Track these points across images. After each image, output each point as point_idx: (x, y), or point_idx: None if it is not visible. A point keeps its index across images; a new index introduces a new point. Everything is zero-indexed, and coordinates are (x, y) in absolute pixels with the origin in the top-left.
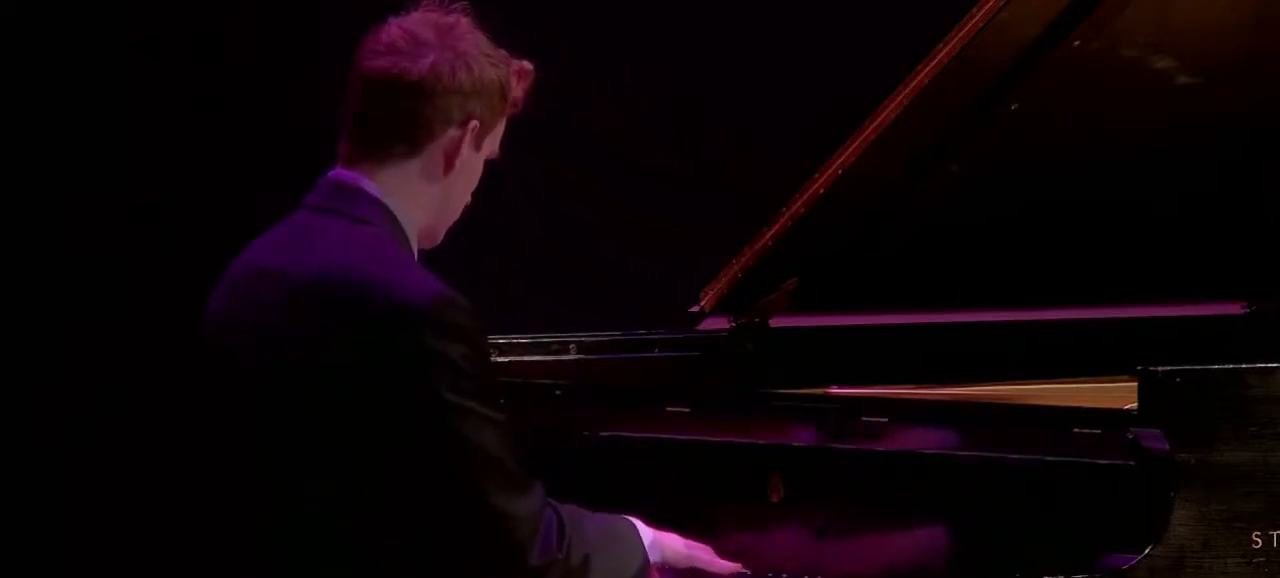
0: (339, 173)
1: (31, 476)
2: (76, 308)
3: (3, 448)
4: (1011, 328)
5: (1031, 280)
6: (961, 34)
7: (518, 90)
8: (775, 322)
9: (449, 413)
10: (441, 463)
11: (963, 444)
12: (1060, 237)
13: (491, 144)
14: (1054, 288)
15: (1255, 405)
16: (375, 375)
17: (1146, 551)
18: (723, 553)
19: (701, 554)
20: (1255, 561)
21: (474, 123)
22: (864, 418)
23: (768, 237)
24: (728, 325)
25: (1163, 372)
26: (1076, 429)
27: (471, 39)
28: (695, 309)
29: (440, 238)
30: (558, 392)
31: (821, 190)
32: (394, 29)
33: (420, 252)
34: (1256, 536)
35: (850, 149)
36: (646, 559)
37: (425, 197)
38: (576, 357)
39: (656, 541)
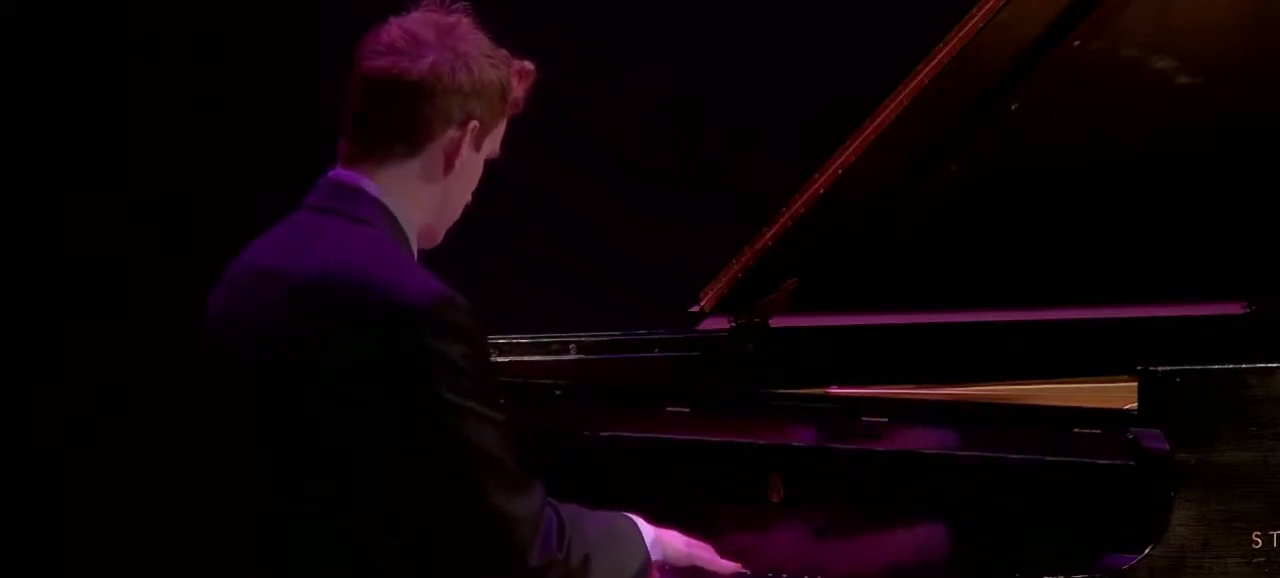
0: (339, 173)
1: (31, 476)
2: (76, 308)
3: (3, 448)
4: (1011, 328)
5: (1031, 280)
6: (961, 34)
7: (519, 91)
8: (775, 322)
9: (449, 413)
10: (441, 463)
11: (963, 444)
12: (1060, 237)
13: (492, 144)
14: (1054, 288)
15: (1255, 405)
16: (375, 376)
17: (1146, 551)
18: (723, 553)
19: (702, 553)
20: (1255, 561)
21: (474, 123)
22: (864, 418)
23: (768, 237)
24: (728, 325)
25: (1163, 372)
26: (1076, 429)
27: (472, 39)
28: (695, 309)
29: (440, 238)
30: (558, 392)
31: (821, 190)
32: (394, 29)
33: (420, 251)
34: (1256, 536)
35: (850, 149)
36: (647, 558)
37: (425, 197)
38: (576, 357)
39: (658, 539)
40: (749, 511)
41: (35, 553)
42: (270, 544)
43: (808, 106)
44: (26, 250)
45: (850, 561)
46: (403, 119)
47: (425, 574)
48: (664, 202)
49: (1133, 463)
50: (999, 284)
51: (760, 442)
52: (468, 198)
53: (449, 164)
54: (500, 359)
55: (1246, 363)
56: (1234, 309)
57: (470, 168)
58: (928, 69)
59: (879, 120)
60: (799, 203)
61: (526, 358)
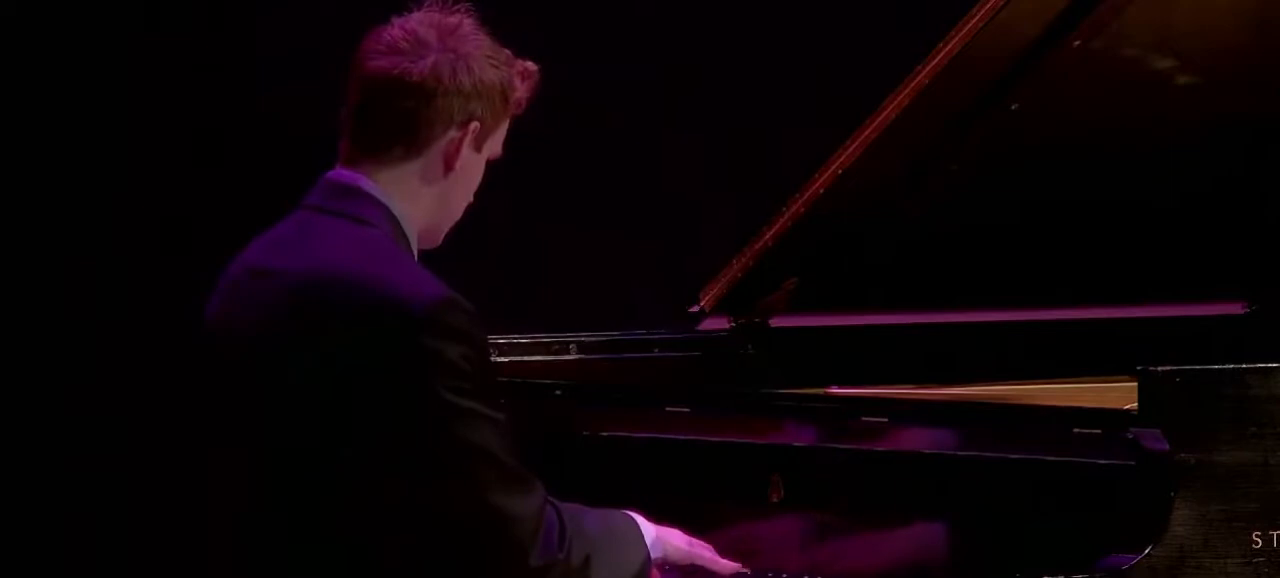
0: (339, 173)
1: (31, 476)
2: (76, 308)
3: (3, 448)
4: (1011, 328)
5: (1031, 280)
6: (961, 34)
7: (522, 91)
8: (775, 322)
9: (449, 413)
10: (442, 463)
11: (963, 444)
12: (1060, 236)
13: (493, 145)
14: (1054, 288)
15: (1255, 405)
16: (375, 376)
17: (1146, 551)
18: (723, 554)
19: (703, 551)
20: (1255, 561)
21: (474, 124)
22: (864, 418)
23: (768, 237)
24: (728, 325)
25: (1163, 372)
26: (1076, 429)
27: (474, 40)
28: (695, 309)
29: (442, 238)
30: (558, 392)
31: (821, 190)
32: (396, 29)
33: (422, 252)
34: (1256, 536)
35: (850, 149)
36: (648, 557)
37: (425, 197)
38: (576, 357)
39: (659, 538)
40: (749, 511)
41: (36, 553)
42: (270, 545)
43: (808, 106)
44: (26, 250)
45: (850, 561)
46: (403, 119)
47: (427, 575)
48: (664, 202)
49: (1133, 463)
50: (999, 284)
51: (760, 442)
52: (470, 198)
53: (449, 165)
54: (500, 359)
55: (1246, 363)
56: (1234, 309)
57: (471, 168)
58: (928, 69)
59: (879, 120)
60: (799, 203)
61: (526, 358)
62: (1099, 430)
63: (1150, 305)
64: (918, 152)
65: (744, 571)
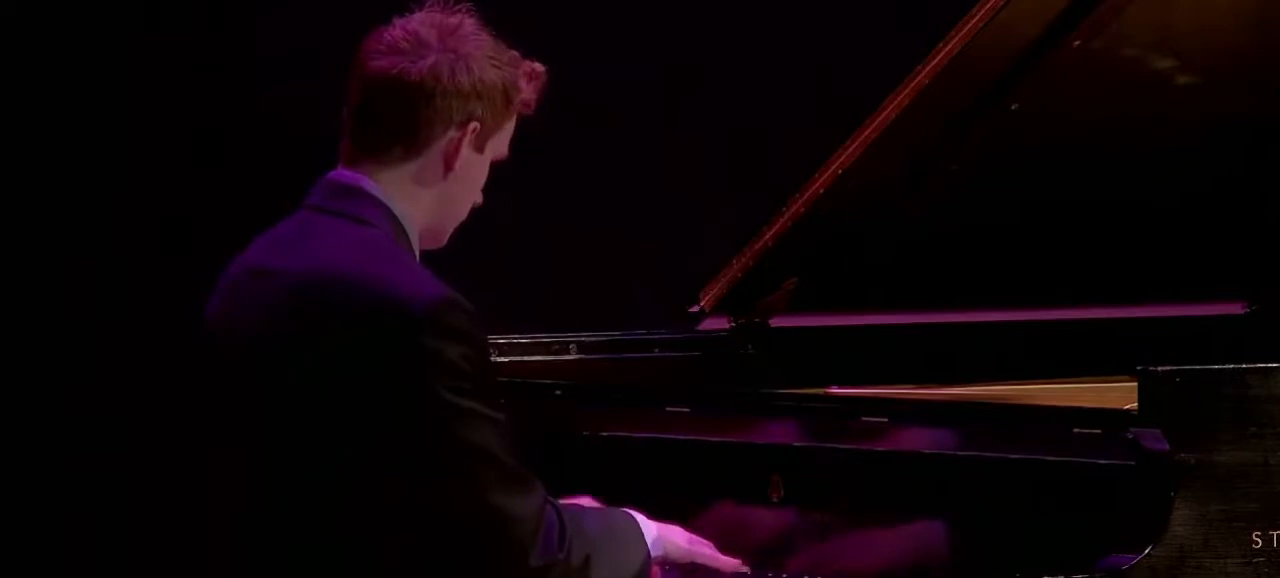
0: (339, 173)
1: (32, 476)
2: (77, 308)
3: (3, 448)
4: (1011, 328)
5: (1031, 280)
6: (962, 34)
7: (528, 92)
8: (775, 322)
9: (449, 413)
10: (442, 463)
11: (963, 444)
12: (1060, 236)
13: (497, 146)
14: (1054, 288)
15: (1255, 405)
16: (375, 376)
17: (1146, 551)
18: (723, 553)
19: (703, 549)
20: (1255, 561)
21: (474, 125)
22: (864, 418)
23: (768, 237)
24: (728, 325)
25: (1163, 372)
26: (1076, 429)
27: (474, 40)
28: (695, 309)
29: (446, 239)
30: (558, 392)
31: (821, 190)
32: (397, 29)
33: (425, 252)
34: (1256, 536)
35: (850, 149)
36: (648, 556)
37: (425, 198)
38: (576, 357)
39: (660, 536)
40: (749, 511)
41: (36, 553)
42: (270, 545)
43: (808, 106)
44: (26, 250)
45: (850, 560)
46: (402, 120)
47: (427, 575)
48: (664, 202)
49: (1133, 463)
50: (999, 284)
51: (760, 442)
52: (474, 199)
53: (449, 165)
54: (500, 359)
55: (1246, 363)
56: (1234, 309)
57: (472, 169)
58: (928, 69)
59: (879, 120)
60: (799, 203)
61: (526, 358)
62: (1099, 430)
63: (1150, 305)
64: (918, 152)
65: (744, 569)
